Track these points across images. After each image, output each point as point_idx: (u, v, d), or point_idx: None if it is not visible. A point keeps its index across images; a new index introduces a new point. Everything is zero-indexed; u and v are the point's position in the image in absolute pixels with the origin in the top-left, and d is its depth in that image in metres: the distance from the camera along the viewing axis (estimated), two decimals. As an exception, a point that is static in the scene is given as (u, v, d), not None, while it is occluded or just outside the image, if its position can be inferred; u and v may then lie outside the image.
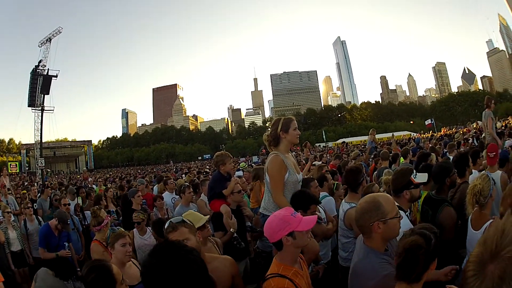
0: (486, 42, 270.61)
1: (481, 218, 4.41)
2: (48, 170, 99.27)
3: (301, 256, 3.82)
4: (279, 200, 5.07)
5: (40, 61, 64.34)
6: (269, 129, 5.65)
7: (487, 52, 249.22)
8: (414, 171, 4.87)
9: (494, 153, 6.92)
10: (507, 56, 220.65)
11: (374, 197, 3.41)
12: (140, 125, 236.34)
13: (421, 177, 4.75)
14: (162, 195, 10.88)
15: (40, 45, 66.42)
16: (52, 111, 65.19)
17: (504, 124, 25.28)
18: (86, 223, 10.59)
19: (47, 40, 66.68)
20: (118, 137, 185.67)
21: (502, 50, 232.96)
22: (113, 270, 3.64)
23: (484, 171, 5.55)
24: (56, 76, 63.40)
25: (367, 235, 3.32)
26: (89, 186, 22.63)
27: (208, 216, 5.09)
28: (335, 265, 5.89)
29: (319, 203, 5.79)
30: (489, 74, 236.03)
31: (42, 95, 62.45)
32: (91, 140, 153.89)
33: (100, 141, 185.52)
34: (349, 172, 6.22)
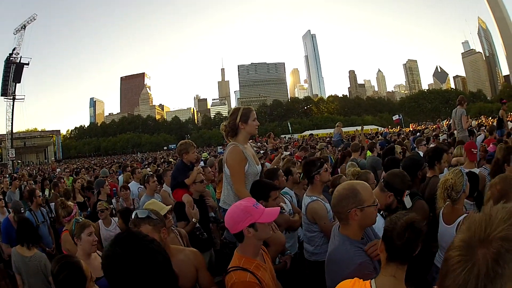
0: (462, 43, 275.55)
1: (453, 213, 4.39)
2: (19, 161, 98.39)
3: (263, 249, 3.80)
4: (241, 192, 4.99)
5: (14, 49, 63.95)
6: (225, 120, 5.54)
7: (462, 53, 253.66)
8: (409, 191, 4.80)
9: (476, 150, 7.03)
10: (484, 58, 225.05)
11: (352, 184, 3.36)
12: (108, 114, 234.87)
13: (407, 202, 4.68)
14: (129, 184, 10.79)
15: (15, 33, 66.03)
16: (23, 100, 64.99)
17: (478, 123, 25.70)
18: (53, 216, 10.24)
19: (21, 28, 66.31)
20: (86, 126, 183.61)
21: (478, 52, 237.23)
22: (83, 267, 3.59)
23: (458, 167, 5.54)
24: (27, 64, 63.32)
25: (343, 222, 3.29)
26: (58, 177, 22.40)
27: (170, 206, 5.00)
28: (303, 258, 5.78)
29: (278, 189, 5.59)
30: (463, 74, 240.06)
31: (14, 84, 62.01)
32: (59, 130, 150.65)
33: (68, 130, 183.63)
34: (304, 164, 6.17)
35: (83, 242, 4.91)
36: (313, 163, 5.84)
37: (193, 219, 6.09)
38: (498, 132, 13.19)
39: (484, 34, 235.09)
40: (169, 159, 27.52)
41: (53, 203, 10.17)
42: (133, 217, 3.93)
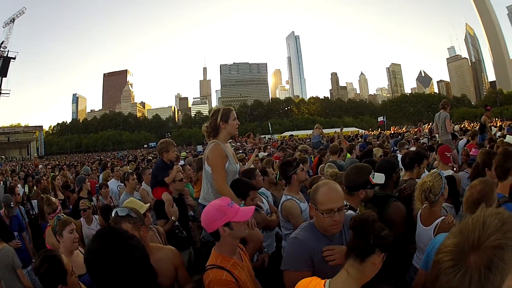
0: (448, 48, 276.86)
1: (431, 215, 4.44)
2: (3, 156, 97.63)
3: (241, 247, 3.84)
4: (223, 188, 5.02)
5: (2, 42, 63.41)
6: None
7: (447, 58, 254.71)
8: (372, 170, 4.80)
9: (450, 154, 7.16)
10: (469, 64, 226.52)
11: (318, 184, 3.44)
12: (90, 110, 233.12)
13: (378, 178, 4.68)
14: (108, 182, 10.75)
15: (4, 26, 65.48)
16: (8, 95, 64.35)
17: (460, 127, 25.89)
18: (34, 213, 10.20)
19: (10, 21, 65.78)
20: (68, 123, 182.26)
21: (464, 57, 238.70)
22: (64, 261, 3.57)
23: (436, 169, 5.60)
24: (14, 58, 62.60)
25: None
26: (41, 174, 22.22)
27: (148, 204, 5.00)
28: (280, 257, 5.84)
29: (257, 189, 5.73)
30: (447, 79, 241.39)
31: (0, 78, 61.47)
32: (42, 126, 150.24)
33: (51, 126, 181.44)
34: (280, 165, 6.25)
35: (65, 239, 4.88)
36: (289, 163, 5.93)
37: (173, 217, 6.12)
38: (479, 137, 13.29)
39: (471, 40, 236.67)
40: (149, 157, 27.51)
41: (35, 200, 10.04)
42: (113, 215, 3.94)
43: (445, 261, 1.42)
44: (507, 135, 11.69)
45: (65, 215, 5.46)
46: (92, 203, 8.43)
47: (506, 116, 67.17)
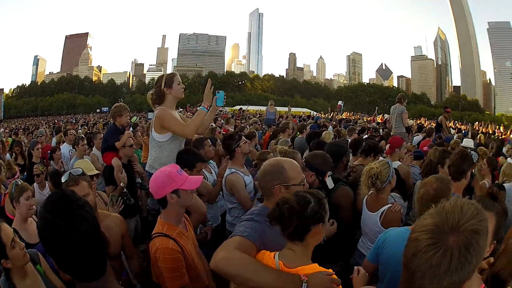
0: (415, 47, 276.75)
1: (377, 201, 4.53)
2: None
3: (186, 217, 3.86)
4: (188, 129, 5.01)
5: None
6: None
7: (412, 56, 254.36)
8: (331, 172, 4.81)
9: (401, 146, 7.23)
10: (435, 66, 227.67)
11: (278, 161, 3.34)
12: (48, 73, 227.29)
13: (330, 182, 4.68)
14: (60, 146, 10.67)
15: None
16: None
17: (416, 123, 26.13)
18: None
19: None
20: (27, 85, 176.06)
21: (430, 58, 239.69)
22: (2, 232, 3.24)
23: (385, 159, 5.69)
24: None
25: (267, 197, 3.26)
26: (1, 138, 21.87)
27: (97, 171, 5.01)
28: (225, 229, 5.87)
29: (205, 161, 5.78)
30: (409, 76, 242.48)
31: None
32: (3, 89, 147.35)
33: (11, 89, 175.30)
34: (223, 140, 6.20)
35: (21, 206, 4.73)
36: (231, 137, 5.93)
37: (121, 184, 6.08)
38: (448, 138, 13.45)
39: (441, 44, 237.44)
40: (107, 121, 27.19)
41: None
42: (68, 177, 3.92)
43: (425, 239, 1.55)
44: (465, 139, 11.85)
45: (22, 181, 5.38)
46: (45, 168, 8.20)
47: (468, 121, 68.28)
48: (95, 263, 2.29)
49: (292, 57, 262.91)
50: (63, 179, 4.05)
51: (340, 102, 64.00)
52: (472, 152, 7.61)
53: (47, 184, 7.41)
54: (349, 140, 9.40)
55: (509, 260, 3.17)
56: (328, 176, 4.64)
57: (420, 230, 1.61)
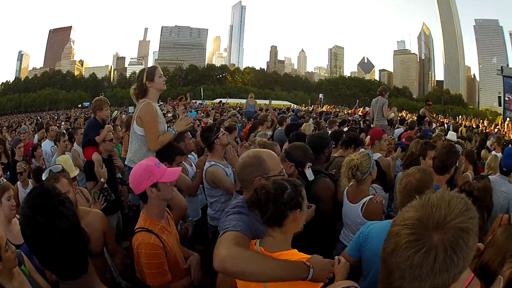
0: (398, 41, 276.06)
1: (358, 193, 4.54)
2: None
3: (168, 211, 3.85)
4: (156, 146, 5.05)
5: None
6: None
7: (395, 50, 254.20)
8: (311, 164, 4.80)
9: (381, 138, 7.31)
10: (418, 60, 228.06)
11: (257, 152, 3.36)
12: (32, 68, 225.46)
13: (310, 174, 4.69)
14: (42, 143, 10.63)
15: None
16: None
17: (397, 116, 26.21)
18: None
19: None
20: (11, 82, 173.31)
21: (413, 53, 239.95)
22: None
23: (365, 150, 5.70)
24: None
25: (247, 189, 3.27)
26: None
27: (77, 171, 5.00)
28: (206, 223, 5.88)
29: (184, 155, 5.80)
30: (391, 70, 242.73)
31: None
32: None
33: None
34: (202, 133, 6.20)
35: (3, 206, 4.53)
36: (209, 129, 5.93)
37: (102, 179, 6.08)
38: (426, 130, 13.50)
39: (425, 39, 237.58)
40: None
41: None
42: (49, 174, 3.91)
43: (406, 234, 1.40)
44: (449, 132, 11.92)
45: (4, 180, 5.31)
46: (28, 165, 8.16)
47: (451, 115, 68.56)
48: (76, 260, 2.28)
49: (274, 50, 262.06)
50: (43, 177, 4.01)
51: (320, 95, 64.22)
52: (457, 145, 7.69)
53: (30, 182, 7.25)
54: (330, 132, 9.44)
55: (497, 251, 3.20)
56: (308, 167, 4.64)
57: (401, 224, 1.46)
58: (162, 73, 5.33)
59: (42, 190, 2.36)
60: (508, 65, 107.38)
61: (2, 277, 3.11)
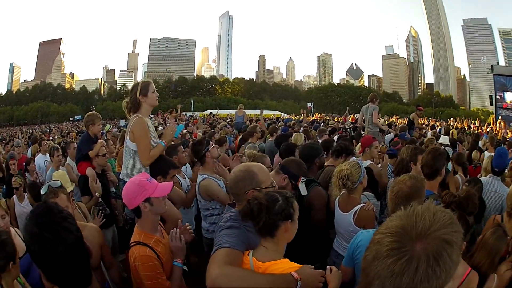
0: (386, 46, 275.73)
1: (350, 202, 4.58)
2: None
3: (161, 225, 3.91)
4: (148, 160, 5.13)
5: None
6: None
7: (383, 55, 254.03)
8: (304, 178, 4.74)
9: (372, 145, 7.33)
10: (407, 64, 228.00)
11: (248, 166, 3.41)
12: (23, 81, 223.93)
13: (303, 189, 4.65)
14: (36, 157, 10.66)
15: None
16: None
17: (387, 122, 26.17)
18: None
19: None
20: (3, 94, 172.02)
21: (402, 57, 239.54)
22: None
23: (355, 158, 5.75)
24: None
25: (240, 203, 3.26)
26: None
27: (73, 185, 5.03)
28: (200, 236, 5.85)
29: (178, 167, 5.83)
30: (380, 75, 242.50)
31: None
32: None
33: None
34: (192, 146, 6.24)
35: None
36: (200, 142, 5.96)
37: (96, 194, 6.09)
38: (403, 134, 13.45)
39: (413, 42, 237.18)
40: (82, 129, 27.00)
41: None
42: (48, 189, 3.99)
43: (388, 242, 1.39)
44: (441, 136, 11.97)
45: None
46: (23, 179, 8.15)
47: (442, 117, 68.61)
48: (82, 273, 2.39)
49: (262, 60, 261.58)
50: (42, 191, 4.08)
51: (309, 104, 64.20)
52: (448, 148, 7.72)
53: (26, 196, 7.28)
54: (320, 141, 9.41)
55: (487, 253, 3.28)
56: (302, 182, 4.64)
57: (384, 232, 1.45)
58: (155, 88, 5.38)
59: (46, 207, 2.48)
60: (498, 63, 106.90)
61: (7, 286, 3.13)
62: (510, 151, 11.20)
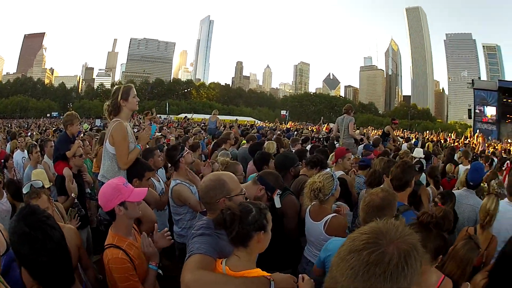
0: (365, 58, 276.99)
1: (321, 212, 4.64)
2: None
3: (135, 228, 3.96)
4: (126, 164, 5.24)
5: None
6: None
7: (361, 66, 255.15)
8: (280, 192, 4.83)
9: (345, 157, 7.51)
10: (384, 76, 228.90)
11: (218, 175, 3.47)
12: (5, 73, 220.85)
13: (277, 202, 4.73)
14: (14, 154, 10.63)
15: None
16: None
17: (363, 132, 26.26)
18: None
19: None
20: None
21: (380, 69, 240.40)
22: None
23: (328, 170, 5.83)
24: None
25: (212, 211, 3.33)
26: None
27: (51, 183, 5.08)
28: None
29: (153, 170, 5.92)
30: (357, 86, 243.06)
31: None
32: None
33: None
34: (167, 152, 6.33)
35: None
36: (175, 148, 6.04)
37: (73, 194, 6.12)
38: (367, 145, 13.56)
39: (392, 54, 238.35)
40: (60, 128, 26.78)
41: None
42: (30, 189, 4.06)
43: (365, 237, 1.49)
44: (416, 149, 12.07)
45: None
46: (2, 176, 8.12)
47: (418, 130, 69.15)
48: (67, 270, 2.48)
49: (239, 66, 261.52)
50: (24, 191, 4.15)
51: (284, 112, 64.28)
52: (422, 160, 7.85)
53: (4, 193, 7.09)
54: (293, 150, 9.58)
55: (457, 264, 3.43)
56: (277, 194, 4.72)
57: (359, 232, 1.55)
58: (136, 93, 5.49)
59: (30, 209, 2.58)
60: (479, 78, 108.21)
61: None
62: (486, 164, 11.47)
